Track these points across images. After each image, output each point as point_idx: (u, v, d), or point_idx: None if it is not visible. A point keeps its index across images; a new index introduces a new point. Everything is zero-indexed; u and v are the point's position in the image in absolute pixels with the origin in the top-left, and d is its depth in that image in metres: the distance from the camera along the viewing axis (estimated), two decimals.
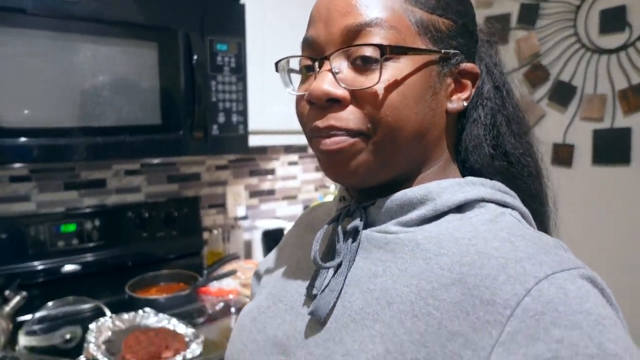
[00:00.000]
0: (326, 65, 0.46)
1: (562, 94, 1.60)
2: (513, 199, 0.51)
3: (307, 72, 0.50)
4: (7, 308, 1.18)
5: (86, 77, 1.13)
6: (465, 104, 0.51)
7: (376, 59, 0.45)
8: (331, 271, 0.49)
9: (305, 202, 2.05)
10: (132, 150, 1.21)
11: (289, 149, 1.97)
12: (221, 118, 1.32)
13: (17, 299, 1.21)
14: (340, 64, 0.46)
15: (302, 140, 1.55)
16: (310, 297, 0.50)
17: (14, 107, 1.06)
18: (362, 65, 0.45)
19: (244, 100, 1.35)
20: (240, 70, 1.34)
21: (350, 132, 0.46)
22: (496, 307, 0.37)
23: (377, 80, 0.44)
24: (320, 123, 0.46)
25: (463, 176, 0.53)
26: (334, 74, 0.46)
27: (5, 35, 1.03)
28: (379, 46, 0.44)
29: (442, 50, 0.47)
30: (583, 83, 1.55)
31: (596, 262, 1.53)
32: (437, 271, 0.43)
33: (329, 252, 0.51)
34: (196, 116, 1.26)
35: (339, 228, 0.50)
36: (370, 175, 0.48)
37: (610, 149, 1.51)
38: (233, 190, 1.84)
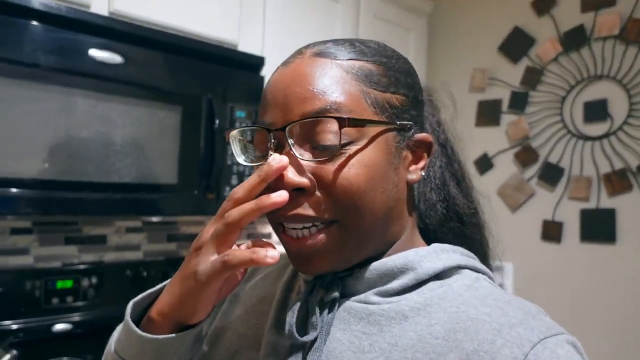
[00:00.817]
0: (284, 142, 0.45)
1: (551, 175, 1.71)
2: (478, 262, 0.52)
3: (262, 156, 0.48)
4: None
5: (111, 134, 1.16)
6: (423, 173, 0.51)
7: (336, 144, 0.44)
8: (304, 349, 0.47)
9: None
10: (148, 207, 1.22)
11: None
12: (234, 180, 1.36)
13: (6, 357, 1.15)
14: (302, 143, 0.45)
15: None
16: None
17: (37, 159, 1.08)
18: (323, 150, 0.44)
19: None
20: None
21: (317, 221, 0.45)
22: None
23: (342, 162, 0.44)
24: (286, 212, 0.45)
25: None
26: (293, 149, 0.44)
27: (41, 92, 1.07)
28: (338, 119, 0.43)
29: (398, 122, 0.47)
30: (570, 165, 1.68)
31: (581, 331, 1.57)
32: (431, 341, 0.43)
33: (300, 323, 0.48)
34: (212, 178, 1.29)
35: (311, 298, 0.48)
36: (344, 263, 0.48)
37: (596, 227, 1.60)
38: None
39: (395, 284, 0.47)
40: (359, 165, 0.44)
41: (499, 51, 1.88)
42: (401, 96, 0.48)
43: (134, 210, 1.22)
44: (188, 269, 0.44)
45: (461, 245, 0.53)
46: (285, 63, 0.49)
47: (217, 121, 1.29)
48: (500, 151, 1.86)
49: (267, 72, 1.46)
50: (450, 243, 0.53)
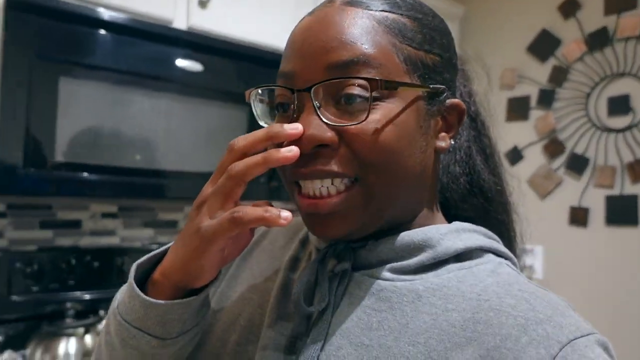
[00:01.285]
0: (308, 102, 0.42)
1: (577, 164, 1.86)
2: (502, 246, 0.49)
3: (283, 110, 0.45)
4: None
5: (191, 130, 1.37)
6: (453, 142, 0.48)
7: (365, 97, 0.41)
8: (310, 320, 0.44)
9: None
10: None
11: None
12: None
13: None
14: (325, 103, 0.42)
15: None
16: (288, 343, 0.45)
17: (131, 151, 1.31)
18: (349, 104, 0.41)
19: None
20: None
21: (338, 177, 0.42)
22: None
23: (366, 118, 0.41)
24: (303, 169, 0.42)
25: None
26: (318, 112, 0.41)
27: (136, 95, 1.29)
28: (370, 80, 0.40)
29: (431, 86, 0.44)
30: (595, 155, 1.82)
31: (605, 306, 1.71)
32: (447, 329, 0.40)
33: (308, 291, 0.46)
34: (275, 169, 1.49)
35: (322, 268, 0.46)
36: (362, 227, 0.44)
37: (620, 212, 1.74)
38: None
39: (412, 261, 0.44)
40: (387, 123, 0.41)
41: (527, 51, 2.03)
42: (435, 56, 0.45)
43: None
44: (191, 227, 0.41)
45: (483, 225, 0.50)
46: (312, 12, 0.45)
47: None
48: (530, 144, 2.00)
49: None
50: (472, 221, 0.50)
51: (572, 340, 0.36)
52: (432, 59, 0.45)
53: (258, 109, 0.47)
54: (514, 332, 0.37)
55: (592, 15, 1.85)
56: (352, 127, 0.41)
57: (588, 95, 1.84)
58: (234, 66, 1.44)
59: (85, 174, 1.22)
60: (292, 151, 0.39)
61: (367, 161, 0.41)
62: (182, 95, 1.35)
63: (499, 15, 2.14)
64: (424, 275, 0.44)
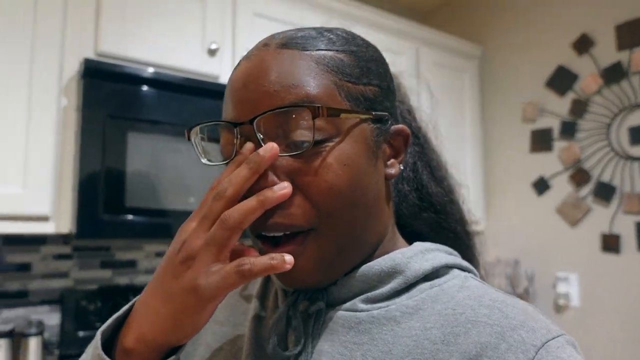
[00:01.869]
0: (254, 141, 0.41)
1: (604, 192, 1.91)
2: (462, 260, 0.50)
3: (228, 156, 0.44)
4: None
5: None
6: (402, 167, 0.48)
7: (311, 139, 0.40)
8: None
9: None
10: None
11: None
12: None
13: None
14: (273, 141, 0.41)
15: None
16: None
17: (183, 194, 1.43)
18: (297, 148, 0.41)
19: None
20: None
21: (297, 228, 0.41)
22: None
23: (321, 164, 0.40)
24: (265, 221, 0.41)
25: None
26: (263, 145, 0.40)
27: (184, 144, 1.43)
28: (311, 107, 0.39)
29: (373, 113, 0.44)
30: (621, 183, 1.87)
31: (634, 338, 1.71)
32: (429, 346, 0.41)
33: (282, 335, 0.45)
34: None
35: (294, 309, 0.45)
36: (329, 274, 0.44)
37: None
38: None
39: (384, 289, 0.44)
40: (338, 165, 0.41)
41: (546, 86, 2.13)
42: (374, 87, 0.45)
43: None
44: (182, 284, 0.38)
45: (437, 236, 0.52)
46: (248, 56, 0.44)
47: None
48: (556, 173, 2.07)
49: None
50: (426, 235, 0.52)
51: (545, 343, 0.38)
52: (371, 90, 0.45)
53: (200, 146, 0.46)
54: (492, 340, 0.39)
55: (606, 51, 1.95)
56: (303, 172, 0.41)
57: (609, 125, 1.92)
58: None
59: (150, 217, 1.35)
60: (286, 188, 0.40)
61: (324, 209, 0.41)
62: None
63: (515, 54, 2.26)
64: (397, 300, 0.44)
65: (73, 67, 1.31)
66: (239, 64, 0.46)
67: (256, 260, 0.38)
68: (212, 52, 1.52)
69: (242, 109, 0.42)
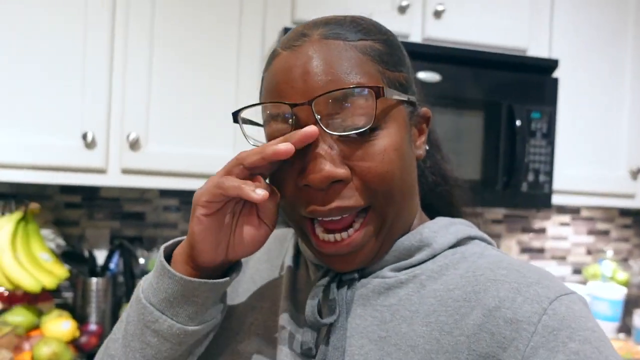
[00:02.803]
0: (319, 140, 0.42)
1: None
2: (481, 231, 0.53)
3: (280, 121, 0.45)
4: None
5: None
6: (427, 147, 0.52)
7: (369, 128, 0.42)
8: (327, 327, 0.46)
9: (575, 265, 2.03)
10: None
11: (561, 210, 2.01)
12: (530, 177, 1.48)
13: None
14: (330, 141, 0.43)
15: (584, 201, 1.61)
16: (307, 356, 0.46)
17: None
18: (355, 136, 0.43)
19: (551, 163, 1.50)
20: (549, 135, 1.49)
21: (355, 210, 0.44)
22: (520, 324, 0.40)
23: (377, 151, 0.43)
24: (324, 207, 0.43)
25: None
26: (331, 147, 0.43)
27: None
28: (374, 87, 0.42)
29: (409, 97, 0.46)
30: None
31: None
32: (452, 304, 0.44)
33: (319, 304, 0.48)
34: (513, 175, 1.45)
35: (330, 279, 0.48)
36: (379, 255, 0.48)
37: None
38: (505, 244, 1.96)
39: (412, 260, 0.48)
40: (391, 150, 0.44)
41: None
42: (405, 73, 0.48)
43: None
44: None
45: (451, 208, 0.56)
46: (289, 47, 0.45)
47: (518, 122, 1.44)
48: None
49: (560, 75, 1.54)
50: (439, 206, 0.56)
51: (558, 297, 0.41)
52: (403, 77, 0.47)
53: (246, 129, 0.48)
54: (509, 294, 0.42)
55: None
56: (360, 158, 0.43)
57: None
58: (469, 72, 1.44)
59: None
60: (287, 147, 0.41)
61: (380, 190, 0.44)
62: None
63: None
64: (422, 265, 0.48)
65: (273, 37, 1.38)
66: (277, 53, 0.46)
67: (230, 179, 0.42)
68: (402, 10, 1.44)
69: (294, 97, 0.43)
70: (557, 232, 2.01)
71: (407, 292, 0.46)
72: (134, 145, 1.30)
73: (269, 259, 0.60)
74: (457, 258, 0.48)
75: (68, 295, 1.55)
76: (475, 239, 0.51)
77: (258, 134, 0.50)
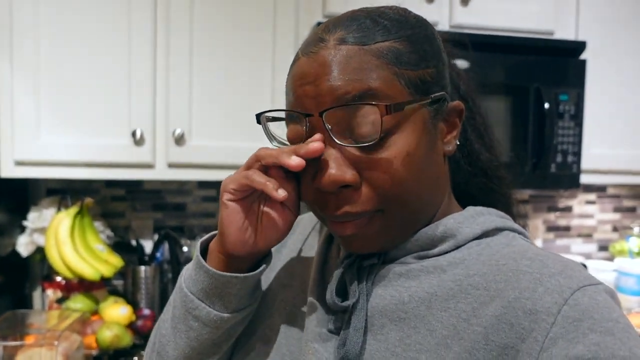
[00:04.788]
0: (327, 147, 0.44)
1: None
2: (513, 222, 0.52)
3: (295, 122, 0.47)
4: None
5: None
6: (458, 142, 0.50)
7: (378, 134, 0.43)
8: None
9: (601, 242, 2.07)
10: None
11: (588, 188, 2.04)
12: (559, 158, 1.52)
13: None
14: (340, 137, 0.44)
15: (610, 179, 1.64)
16: (333, 330, 0.48)
17: None
18: (364, 140, 0.43)
19: (579, 143, 1.53)
20: (577, 116, 1.53)
21: (366, 214, 0.45)
22: (539, 315, 0.39)
23: (386, 156, 0.43)
24: (334, 211, 0.45)
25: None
26: (341, 152, 0.44)
27: None
28: (379, 106, 0.42)
29: (432, 96, 0.46)
30: None
31: None
32: (472, 292, 0.44)
33: (341, 287, 0.49)
34: (542, 156, 1.49)
35: (352, 264, 0.49)
36: (392, 243, 0.48)
37: None
38: (532, 223, 2.00)
39: (436, 250, 0.48)
40: (402, 155, 0.44)
41: None
42: (431, 69, 0.46)
43: None
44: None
45: (486, 198, 0.54)
46: (307, 53, 0.46)
47: (546, 105, 1.47)
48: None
49: (588, 56, 1.56)
50: (476, 196, 0.54)
51: (581, 287, 0.40)
52: (429, 73, 0.46)
53: (269, 130, 0.50)
54: (530, 285, 0.41)
55: None
56: (369, 164, 0.43)
57: None
58: (497, 57, 1.47)
59: None
60: (318, 143, 0.44)
61: (389, 195, 0.44)
62: None
63: None
64: (446, 255, 0.48)
65: (306, 33, 1.43)
66: (297, 58, 0.47)
67: (257, 175, 0.46)
68: None
69: (308, 103, 0.44)
70: (583, 210, 2.05)
71: (428, 275, 0.47)
72: (179, 140, 1.37)
73: (304, 239, 0.61)
74: (481, 247, 0.48)
75: (118, 282, 1.65)
76: (504, 230, 0.50)
77: (282, 131, 0.53)
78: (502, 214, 0.52)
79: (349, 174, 0.44)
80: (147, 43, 1.35)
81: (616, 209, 2.07)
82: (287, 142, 0.48)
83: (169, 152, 1.38)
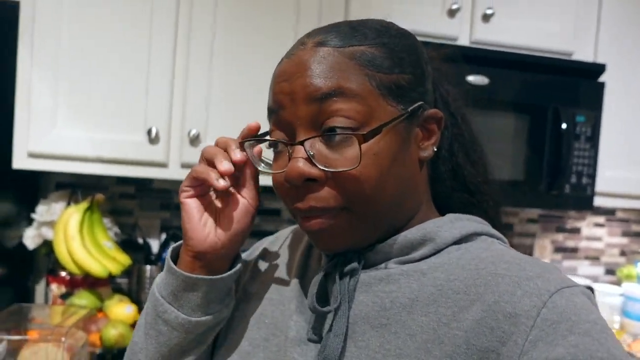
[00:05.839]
0: (297, 148, 0.46)
1: None
2: (492, 229, 0.53)
3: (277, 148, 0.50)
4: None
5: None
6: (435, 149, 0.51)
7: (346, 130, 0.45)
8: (331, 314, 0.48)
9: (608, 265, 2.06)
10: (504, 198, 1.49)
11: (597, 211, 2.03)
12: (573, 179, 1.51)
13: None
14: (312, 141, 0.46)
15: (624, 203, 1.63)
16: (311, 341, 0.49)
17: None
18: (333, 139, 0.45)
19: (594, 165, 1.52)
20: (593, 138, 1.52)
21: (331, 210, 0.46)
22: (519, 318, 0.40)
23: (356, 164, 0.44)
24: (300, 205, 0.47)
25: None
26: (309, 155, 0.45)
27: None
28: (355, 134, 0.44)
29: (409, 109, 0.47)
30: None
31: None
32: (452, 296, 0.44)
33: (323, 294, 0.50)
34: (557, 176, 1.48)
35: (333, 271, 0.50)
36: (360, 241, 0.49)
37: None
38: (540, 243, 1.99)
39: (416, 255, 0.49)
40: (368, 155, 0.45)
41: None
42: (408, 75, 0.48)
43: None
44: None
45: (470, 213, 0.54)
46: (288, 55, 0.50)
47: (564, 125, 1.47)
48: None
49: (607, 79, 1.56)
50: (459, 211, 0.54)
51: (559, 290, 0.41)
52: (404, 78, 0.48)
53: (254, 156, 0.52)
54: (509, 288, 0.42)
55: None
56: (336, 162, 0.45)
57: None
58: (516, 75, 1.47)
59: None
60: (221, 183, 0.48)
61: (353, 193, 0.46)
62: (476, 109, 1.46)
63: None
64: (426, 260, 0.49)
65: None
66: (281, 61, 0.50)
67: (200, 166, 0.50)
68: (451, 13, 1.47)
69: (282, 99, 0.47)
70: (592, 232, 2.04)
71: (408, 279, 0.47)
72: (194, 140, 1.36)
73: (286, 251, 0.62)
74: (461, 252, 0.48)
75: (122, 280, 1.63)
76: (482, 235, 0.51)
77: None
78: (481, 219, 0.53)
79: (315, 170, 0.45)
80: (168, 42, 1.34)
81: (624, 233, 2.06)
82: (265, 169, 0.52)
83: (183, 152, 1.37)
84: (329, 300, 0.49)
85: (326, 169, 0.45)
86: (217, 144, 0.51)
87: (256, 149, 0.52)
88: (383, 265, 0.50)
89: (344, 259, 0.50)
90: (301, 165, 0.45)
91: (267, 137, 0.51)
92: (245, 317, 0.56)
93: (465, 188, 0.55)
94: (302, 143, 0.46)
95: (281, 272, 0.59)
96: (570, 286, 0.42)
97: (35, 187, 1.56)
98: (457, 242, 0.49)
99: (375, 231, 0.49)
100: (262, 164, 0.52)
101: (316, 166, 0.45)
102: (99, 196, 1.42)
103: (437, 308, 0.44)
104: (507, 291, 0.42)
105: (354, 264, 0.49)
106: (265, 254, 0.63)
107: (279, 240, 0.64)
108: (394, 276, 0.48)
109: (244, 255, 0.63)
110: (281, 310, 0.54)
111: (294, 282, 0.55)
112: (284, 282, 0.57)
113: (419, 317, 0.45)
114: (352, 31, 0.48)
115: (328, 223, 0.47)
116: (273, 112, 0.49)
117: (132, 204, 1.68)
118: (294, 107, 0.46)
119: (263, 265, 0.62)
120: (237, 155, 0.49)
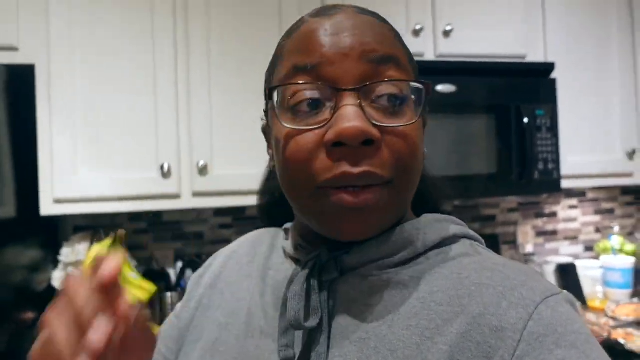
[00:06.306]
0: (347, 99, 0.41)
1: None
2: (469, 229, 0.51)
3: (312, 107, 0.43)
4: None
5: (453, 139, 1.65)
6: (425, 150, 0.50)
7: (402, 97, 0.43)
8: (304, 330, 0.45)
9: (586, 243, 2.24)
10: (482, 191, 1.66)
11: (569, 194, 2.23)
12: (540, 165, 1.70)
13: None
14: (371, 111, 0.42)
15: (588, 183, 1.83)
16: (291, 356, 0.45)
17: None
18: (387, 104, 0.43)
19: (557, 152, 1.72)
20: (553, 128, 1.72)
21: (381, 180, 0.42)
22: (505, 332, 0.39)
23: (414, 120, 0.43)
24: (354, 169, 0.41)
25: None
26: (362, 108, 0.41)
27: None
28: (421, 83, 0.44)
29: (424, 82, 0.46)
30: None
31: None
32: (435, 308, 0.42)
33: (301, 305, 0.45)
34: (525, 166, 1.66)
35: (311, 280, 0.46)
36: (386, 225, 0.46)
37: None
38: (522, 229, 2.17)
39: (395, 259, 0.46)
40: (418, 127, 0.44)
41: None
42: (413, 60, 0.49)
43: (476, 194, 1.67)
44: None
45: (421, 200, 0.54)
46: (326, 15, 0.45)
47: (525, 120, 1.66)
48: None
49: (557, 75, 1.77)
50: (415, 201, 0.53)
51: (544, 299, 0.40)
52: (415, 67, 0.48)
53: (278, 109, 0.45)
54: (494, 299, 0.41)
55: None
56: (399, 128, 0.42)
57: None
58: (479, 81, 1.67)
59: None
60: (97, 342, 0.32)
61: (404, 163, 0.43)
62: (438, 114, 1.64)
63: None
64: (407, 267, 0.46)
65: None
66: (306, 21, 0.46)
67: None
68: (416, 33, 1.67)
69: (332, 53, 0.42)
70: (567, 214, 2.23)
71: (390, 293, 0.45)
72: (203, 170, 1.51)
73: (241, 268, 0.58)
74: (441, 258, 0.46)
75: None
76: (461, 237, 0.50)
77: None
78: (459, 221, 0.51)
79: (374, 130, 0.41)
80: (170, 88, 1.50)
81: (596, 212, 2.26)
82: (295, 126, 0.43)
83: (193, 182, 1.51)
84: (308, 314, 0.45)
85: (388, 125, 0.42)
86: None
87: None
88: (362, 270, 0.47)
89: (319, 265, 0.47)
90: (360, 122, 0.40)
91: (306, 84, 0.43)
92: (200, 345, 0.52)
93: (422, 181, 0.54)
94: (357, 89, 0.41)
95: (243, 287, 0.55)
96: (555, 294, 0.41)
97: (56, 231, 1.67)
98: (437, 245, 0.48)
99: (400, 213, 0.46)
100: (291, 124, 0.43)
101: (374, 125, 0.41)
102: (121, 232, 1.53)
103: (419, 321, 0.42)
104: (492, 303, 0.41)
105: (334, 274, 0.46)
106: (222, 268, 0.60)
107: (235, 253, 0.61)
108: (376, 288, 0.45)
109: (201, 269, 0.62)
110: (245, 331, 0.50)
111: (257, 300, 0.52)
112: (245, 303, 0.53)
113: (400, 331, 0.42)
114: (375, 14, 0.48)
115: (376, 199, 0.42)
116: (311, 68, 0.42)
117: (145, 238, 1.80)
118: (347, 63, 0.42)
119: (220, 282, 0.58)
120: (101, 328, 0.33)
